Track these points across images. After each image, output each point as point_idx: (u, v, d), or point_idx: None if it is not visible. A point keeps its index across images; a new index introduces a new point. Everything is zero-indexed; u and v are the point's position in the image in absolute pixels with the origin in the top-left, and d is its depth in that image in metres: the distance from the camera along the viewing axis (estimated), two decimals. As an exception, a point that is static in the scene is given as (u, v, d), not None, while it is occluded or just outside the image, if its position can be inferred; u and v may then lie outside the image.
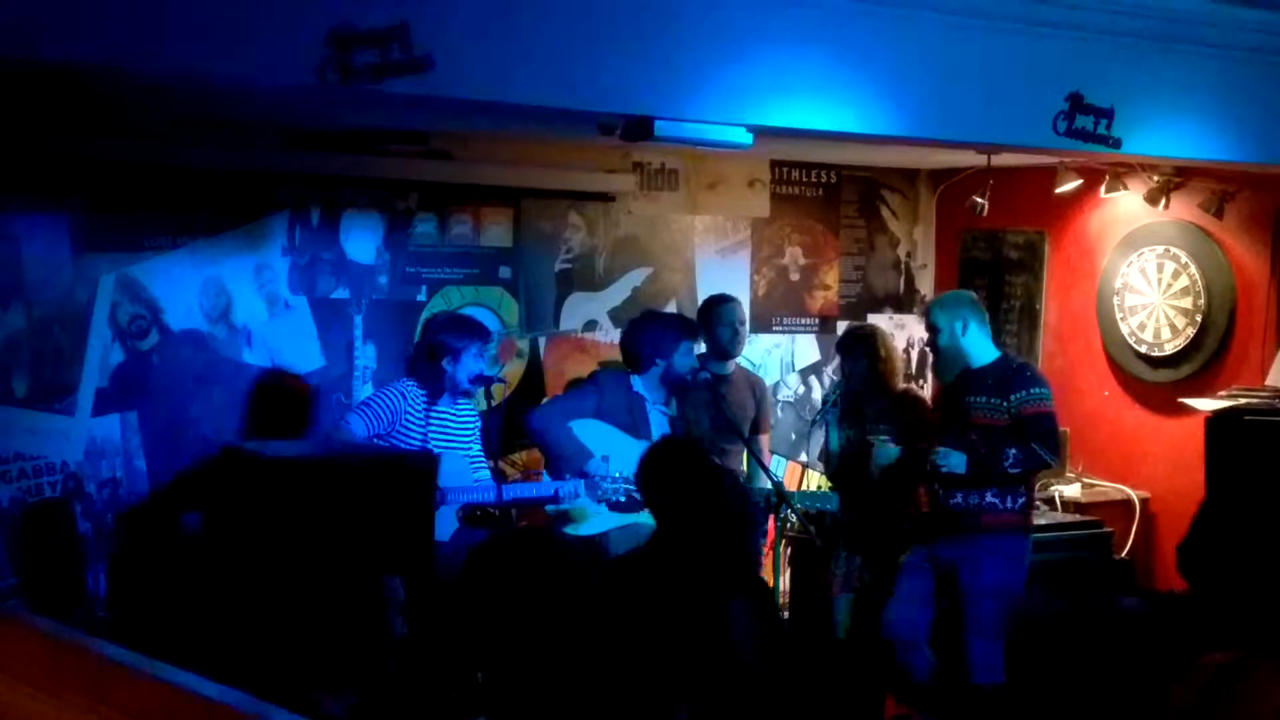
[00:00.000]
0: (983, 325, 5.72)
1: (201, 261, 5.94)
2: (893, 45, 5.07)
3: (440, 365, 5.53)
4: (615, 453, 5.63)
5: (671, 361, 5.78)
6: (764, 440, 6.49)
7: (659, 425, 5.84)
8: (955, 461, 5.47)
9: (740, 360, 6.54)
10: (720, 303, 6.38)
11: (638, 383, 5.84)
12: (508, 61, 4.33)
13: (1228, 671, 2.65)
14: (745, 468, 6.43)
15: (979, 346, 5.67)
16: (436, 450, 5.47)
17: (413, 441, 5.47)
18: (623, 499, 5.57)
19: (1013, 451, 5.44)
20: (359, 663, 4.57)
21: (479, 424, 5.75)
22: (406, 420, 5.49)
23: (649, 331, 5.90)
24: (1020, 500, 5.57)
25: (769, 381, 7.06)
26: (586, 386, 5.96)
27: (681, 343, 5.81)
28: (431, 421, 5.54)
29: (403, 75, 4.07)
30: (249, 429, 5.95)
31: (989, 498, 5.51)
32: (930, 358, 5.81)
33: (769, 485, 5.61)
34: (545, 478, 5.76)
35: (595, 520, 5.70)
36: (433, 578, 5.16)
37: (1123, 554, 6.68)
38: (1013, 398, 5.52)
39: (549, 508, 5.72)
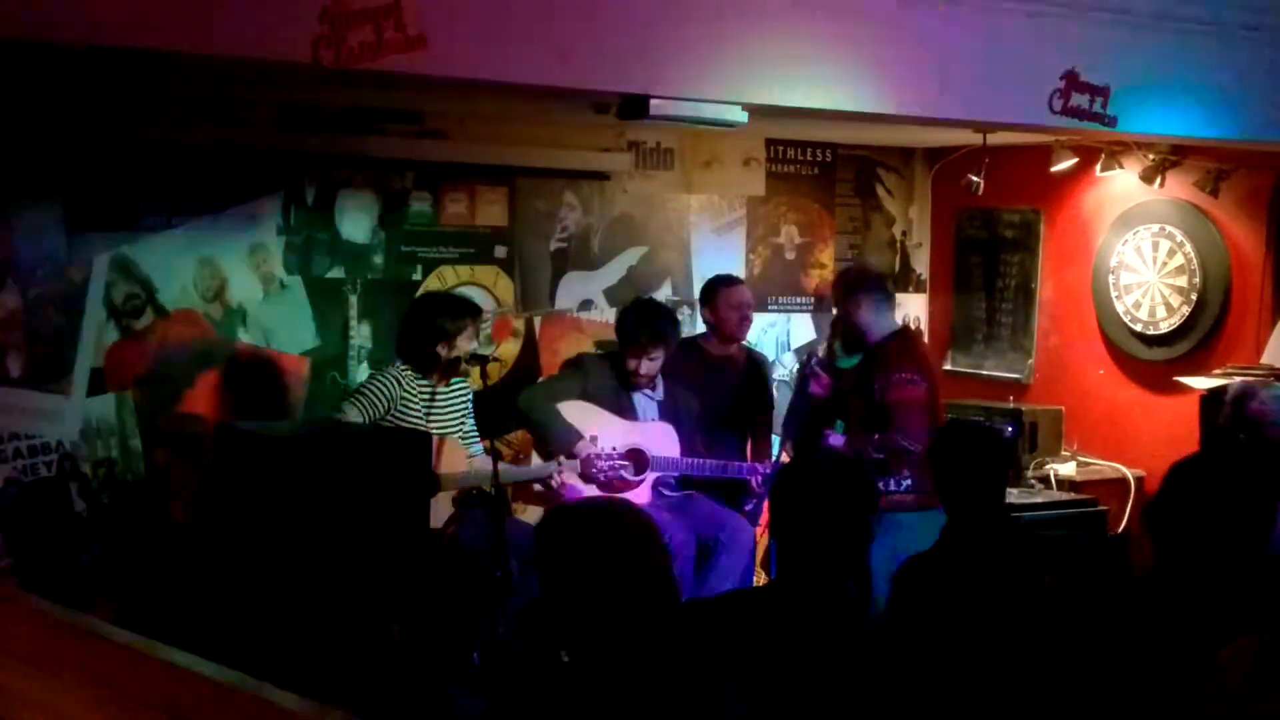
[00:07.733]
0: (880, 300, 5.53)
1: (196, 241, 5.92)
2: (889, 23, 5.05)
3: (435, 349, 5.49)
4: (603, 433, 5.63)
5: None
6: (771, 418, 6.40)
7: (645, 407, 5.82)
8: (835, 441, 5.43)
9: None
10: (726, 284, 6.21)
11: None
12: (502, 40, 4.31)
13: (1270, 650, 2.54)
14: (751, 448, 6.40)
15: (874, 321, 5.50)
16: (436, 432, 5.45)
17: (412, 425, 5.45)
18: (612, 478, 5.57)
19: (875, 437, 5.29)
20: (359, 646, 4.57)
21: (470, 399, 5.74)
22: (404, 405, 5.45)
23: (620, 328, 5.84)
24: (906, 483, 5.29)
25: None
26: (572, 370, 5.94)
27: (633, 360, 5.69)
28: (428, 404, 5.53)
29: (397, 53, 4.06)
30: (242, 408, 5.96)
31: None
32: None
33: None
34: (535, 459, 5.75)
35: None
36: (428, 557, 5.17)
37: (1118, 531, 6.70)
38: (877, 378, 5.37)
39: (537, 487, 5.72)
